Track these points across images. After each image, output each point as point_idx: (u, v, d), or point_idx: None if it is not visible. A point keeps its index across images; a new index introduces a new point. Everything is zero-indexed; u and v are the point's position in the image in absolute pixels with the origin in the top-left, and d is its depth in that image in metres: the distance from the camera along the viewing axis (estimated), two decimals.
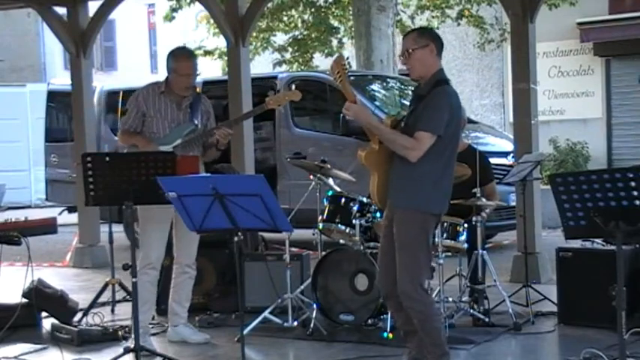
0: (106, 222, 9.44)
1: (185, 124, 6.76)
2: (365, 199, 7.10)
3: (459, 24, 17.55)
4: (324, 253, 7.15)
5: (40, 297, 7.68)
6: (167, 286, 7.01)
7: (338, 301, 6.99)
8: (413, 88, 5.98)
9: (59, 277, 9.77)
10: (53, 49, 27.60)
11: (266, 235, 8.18)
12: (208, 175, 6.33)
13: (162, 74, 7.11)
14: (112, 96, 14.10)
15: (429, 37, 5.64)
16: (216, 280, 7.83)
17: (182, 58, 6.81)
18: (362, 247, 6.98)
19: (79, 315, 7.71)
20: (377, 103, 12.05)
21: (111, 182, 5.98)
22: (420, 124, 5.38)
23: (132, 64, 28.45)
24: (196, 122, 6.78)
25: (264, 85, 11.88)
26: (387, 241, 5.62)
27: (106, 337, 7.04)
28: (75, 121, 11.81)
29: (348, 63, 5.63)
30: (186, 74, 6.75)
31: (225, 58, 13.84)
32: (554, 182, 4.30)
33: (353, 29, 16.53)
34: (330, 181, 7.45)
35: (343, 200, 7.16)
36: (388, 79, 13.29)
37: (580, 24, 18.33)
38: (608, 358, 5.50)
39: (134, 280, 5.98)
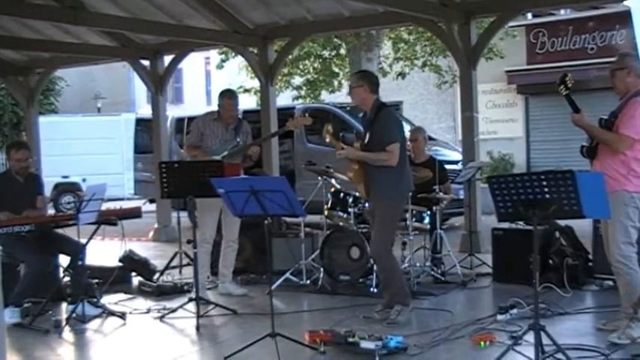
0: (175, 209, 9.44)
1: (230, 141, 6.72)
2: (357, 194, 7.07)
3: (423, 70, 17.43)
4: (328, 231, 7.12)
5: (131, 262, 7.71)
6: (219, 255, 6.98)
7: (338, 265, 6.96)
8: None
9: (143, 248, 9.76)
10: (140, 89, 27.62)
11: (287, 219, 8.18)
12: (246, 176, 6.33)
13: (214, 106, 7.01)
14: (179, 122, 14.13)
15: (362, 79, 5.53)
16: (252, 251, 7.81)
17: (226, 98, 6.75)
18: (355, 228, 6.96)
19: (157, 275, 7.73)
20: None
21: (178, 182, 5.98)
22: (385, 140, 5.37)
23: (193, 99, 28.47)
24: (238, 140, 6.76)
25: (285, 113, 11.78)
26: (374, 221, 5.64)
27: (176, 290, 7.08)
28: (154, 138, 11.82)
29: (332, 128, 5.80)
30: (229, 109, 6.71)
31: (259, 94, 13.81)
32: (490, 182, 4.29)
33: (349, 74, 16.49)
34: (333, 181, 7.44)
35: (342, 194, 7.14)
36: None
37: (507, 71, 18.34)
38: (527, 303, 5.51)
39: (195, 250, 6.02)
